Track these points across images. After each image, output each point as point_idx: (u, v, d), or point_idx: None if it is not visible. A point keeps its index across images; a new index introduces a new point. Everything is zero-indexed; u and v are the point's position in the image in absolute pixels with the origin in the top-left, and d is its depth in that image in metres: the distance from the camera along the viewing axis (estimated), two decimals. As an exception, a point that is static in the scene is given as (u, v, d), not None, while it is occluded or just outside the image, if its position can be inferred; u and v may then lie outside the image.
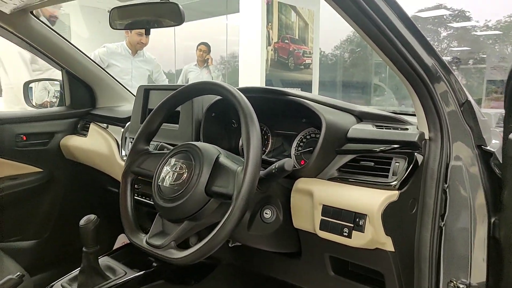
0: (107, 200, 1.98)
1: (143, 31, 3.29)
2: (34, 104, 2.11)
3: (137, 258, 1.47)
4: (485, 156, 0.99)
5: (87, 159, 1.83)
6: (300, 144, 1.23)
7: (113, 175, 1.67)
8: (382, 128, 1.06)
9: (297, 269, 1.21)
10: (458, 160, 0.97)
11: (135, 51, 3.36)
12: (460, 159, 0.97)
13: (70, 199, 2.00)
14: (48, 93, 2.33)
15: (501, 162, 0.96)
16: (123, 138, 1.61)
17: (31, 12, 1.60)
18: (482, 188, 0.97)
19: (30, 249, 1.87)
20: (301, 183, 1.05)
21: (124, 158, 1.56)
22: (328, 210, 0.97)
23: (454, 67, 6.98)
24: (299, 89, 4.43)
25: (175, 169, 0.94)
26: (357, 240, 0.93)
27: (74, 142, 1.87)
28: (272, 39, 5.28)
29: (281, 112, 1.26)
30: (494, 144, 1.05)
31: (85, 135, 1.86)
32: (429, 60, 0.92)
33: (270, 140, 1.31)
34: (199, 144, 0.97)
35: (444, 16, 7.92)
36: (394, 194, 0.92)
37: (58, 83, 2.01)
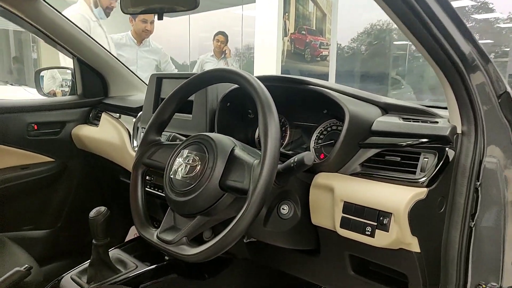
0: (120, 191, 1.96)
1: (147, 18, 3.24)
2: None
3: (149, 251, 1.44)
4: None
5: (99, 149, 1.80)
6: (320, 136, 1.16)
7: (125, 166, 1.63)
8: (410, 121, 1.00)
9: (314, 267, 1.16)
10: (492, 157, 0.90)
11: (140, 41, 3.30)
12: (495, 155, 0.90)
13: (83, 190, 1.98)
14: (55, 82, 2.31)
15: None
16: (135, 128, 1.57)
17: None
18: None
19: (41, 239, 1.87)
20: (321, 178, 0.99)
21: (136, 149, 1.52)
22: (349, 207, 0.92)
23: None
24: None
25: (188, 161, 0.89)
26: (381, 239, 0.87)
27: (85, 131, 1.85)
28: (288, 29, 5.19)
29: (301, 102, 1.20)
30: None
31: (96, 125, 1.83)
32: (466, 47, 0.85)
33: (288, 132, 1.25)
34: (213, 135, 0.91)
35: (466, 8, 7.70)
36: (422, 192, 0.86)
37: (70, 72, 1.97)
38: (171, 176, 0.92)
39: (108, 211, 1.23)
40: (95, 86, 1.91)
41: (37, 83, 1.98)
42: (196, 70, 5.33)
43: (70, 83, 1.99)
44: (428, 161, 0.90)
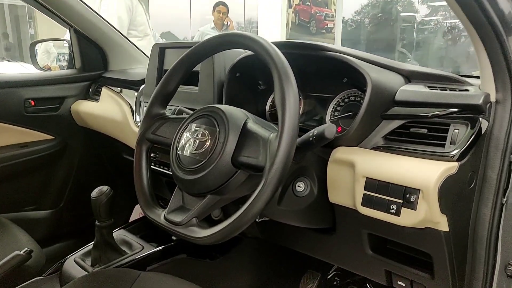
0: (123, 169, 1.91)
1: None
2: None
3: (155, 231, 1.39)
4: None
5: (100, 125, 1.73)
6: (337, 108, 1.08)
7: (128, 142, 1.57)
8: (436, 89, 0.92)
9: (329, 245, 1.10)
10: None
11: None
12: None
13: (85, 168, 1.93)
14: (50, 56, 2.22)
15: None
16: (137, 103, 1.50)
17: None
18: None
19: (43, 220, 1.82)
20: (340, 153, 0.92)
21: (139, 124, 1.45)
22: (372, 184, 0.85)
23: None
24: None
25: (197, 136, 0.82)
26: (407, 218, 0.81)
27: (85, 107, 1.77)
28: (293, 1, 5.02)
29: (316, 71, 1.11)
30: None
31: (97, 100, 1.76)
32: (506, 5, 0.76)
33: (302, 104, 1.16)
34: (223, 107, 0.83)
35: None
36: (453, 166, 0.79)
37: (67, 44, 1.88)
38: (179, 153, 0.84)
39: (111, 190, 1.16)
40: (94, 59, 1.83)
41: (33, 57, 1.90)
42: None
43: (68, 57, 1.90)
44: (459, 132, 0.83)
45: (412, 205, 0.80)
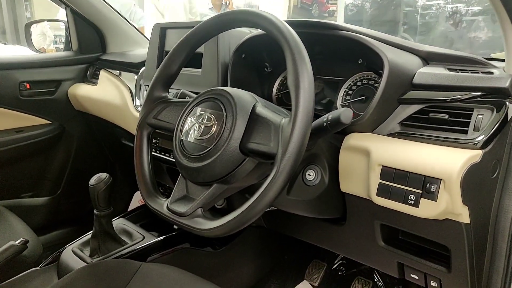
0: (122, 155, 1.85)
1: None
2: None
3: (156, 220, 1.34)
4: None
5: (98, 110, 1.67)
6: (349, 92, 1.02)
7: (127, 128, 1.51)
8: (457, 72, 0.86)
9: (339, 236, 1.06)
10: None
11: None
12: None
13: (83, 154, 1.88)
14: (46, 39, 2.15)
15: None
16: (137, 86, 1.44)
17: None
18: None
19: (40, 207, 1.77)
20: (354, 139, 0.86)
21: (139, 108, 1.39)
22: (389, 173, 0.80)
23: None
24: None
25: (202, 120, 0.76)
26: (426, 210, 0.76)
27: (83, 91, 1.71)
28: (295, -17, 4.91)
29: (328, 52, 1.05)
30: None
31: (95, 83, 1.70)
32: None
33: None
34: (230, 89, 0.77)
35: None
36: (476, 155, 0.74)
37: (64, 26, 1.80)
38: (182, 139, 0.79)
39: (110, 177, 1.11)
40: (92, 41, 1.76)
41: (28, 38, 1.82)
42: (193, 25, 4.98)
43: (65, 39, 1.83)
44: (483, 118, 0.78)
45: (432, 196, 0.75)
